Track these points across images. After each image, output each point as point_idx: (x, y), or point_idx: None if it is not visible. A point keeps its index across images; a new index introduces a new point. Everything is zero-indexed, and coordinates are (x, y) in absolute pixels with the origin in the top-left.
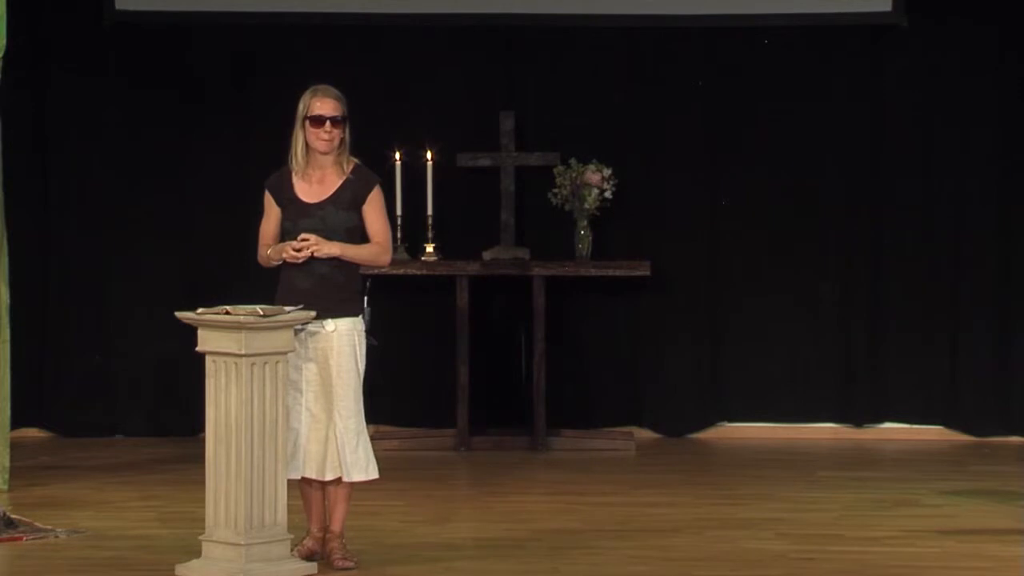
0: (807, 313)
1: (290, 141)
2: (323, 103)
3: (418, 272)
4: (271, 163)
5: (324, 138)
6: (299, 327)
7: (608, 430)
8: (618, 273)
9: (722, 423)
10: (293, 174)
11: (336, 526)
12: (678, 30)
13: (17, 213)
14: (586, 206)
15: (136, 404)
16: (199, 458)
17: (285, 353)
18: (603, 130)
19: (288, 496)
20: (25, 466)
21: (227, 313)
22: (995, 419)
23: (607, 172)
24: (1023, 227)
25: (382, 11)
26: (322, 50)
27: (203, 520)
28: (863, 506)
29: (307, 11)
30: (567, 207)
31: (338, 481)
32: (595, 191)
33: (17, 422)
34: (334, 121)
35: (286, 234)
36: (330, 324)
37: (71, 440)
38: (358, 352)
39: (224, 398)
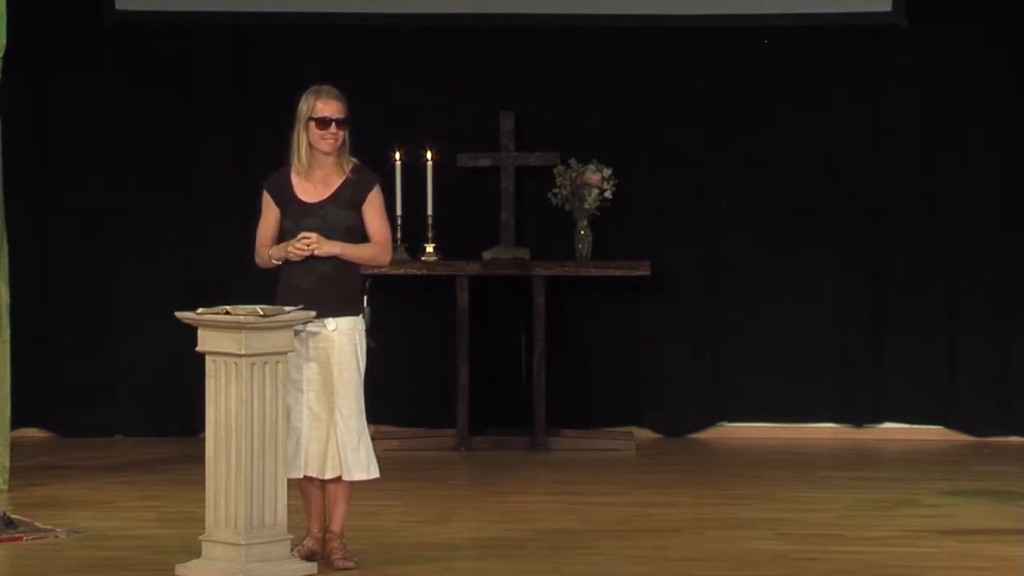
0: (807, 313)
1: (290, 141)
2: (327, 104)
3: (418, 272)
4: (271, 163)
5: (329, 139)
6: (300, 327)
7: (608, 430)
8: (618, 273)
9: (722, 423)
10: (293, 174)
11: (336, 526)
12: (678, 30)
13: (17, 213)
14: (586, 206)
15: (136, 404)
16: (199, 458)
17: (285, 353)
18: (603, 130)
19: (288, 496)
20: (25, 466)
21: (227, 313)
22: (995, 419)
23: (607, 172)
24: (1023, 227)
25: (382, 11)
26: (322, 50)
27: (203, 520)
28: (863, 506)
29: (307, 11)
30: (567, 207)
31: (338, 480)
32: (595, 191)
33: (17, 422)
34: (339, 123)
35: (286, 234)
36: (331, 323)
37: (71, 440)
38: (359, 351)
39: (224, 398)
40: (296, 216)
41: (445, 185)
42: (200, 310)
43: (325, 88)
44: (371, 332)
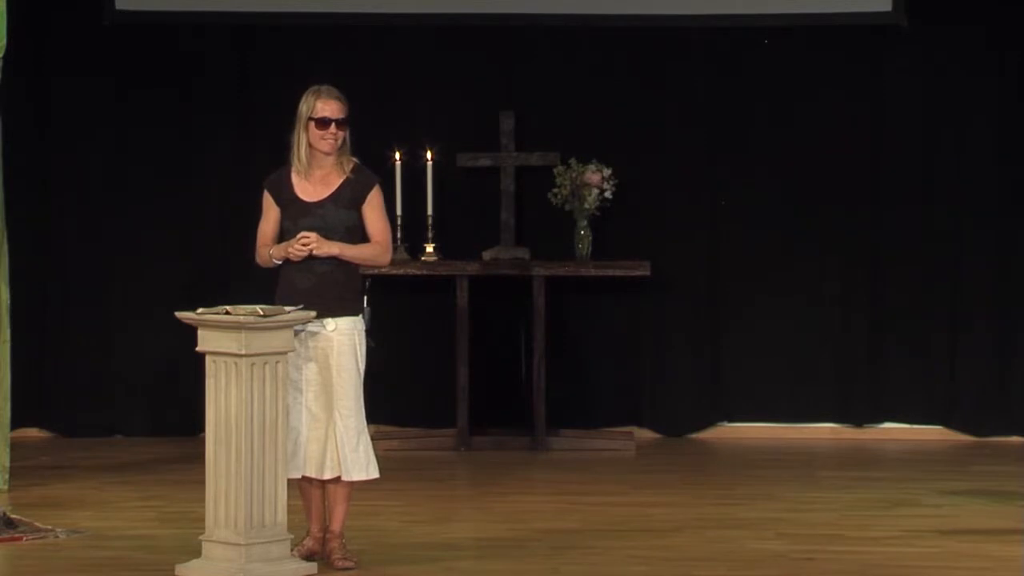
0: (807, 313)
1: (290, 141)
2: (327, 104)
3: (418, 272)
4: (271, 163)
5: (329, 139)
6: (299, 327)
7: (608, 430)
8: (618, 273)
9: (722, 423)
10: (292, 174)
11: (336, 526)
12: (678, 30)
13: (17, 213)
14: (586, 206)
15: (136, 404)
16: (199, 458)
17: (285, 353)
18: (603, 130)
19: (288, 496)
20: (25, 466)
21: (227, 313)
22: (995, 419)
23: (607, 172)
24: (1023, 227)
25: (382, 11)
26: (322, 50)
27: (203, 520)
28: (863, 506)
29: (307, 11)
30: (567, 207)
31: (337, 480)
32: (595, 191)
33: (17, 422)
34: (339, 123)
35: (286, 233)
36: (330, 323)
37: (71, 440)
38: (358, 351)
39: (224, 398)
40: (296, 216)
41: (445, 185)
42: (200, 310)
43: (325, 88)
44: (371, 332)
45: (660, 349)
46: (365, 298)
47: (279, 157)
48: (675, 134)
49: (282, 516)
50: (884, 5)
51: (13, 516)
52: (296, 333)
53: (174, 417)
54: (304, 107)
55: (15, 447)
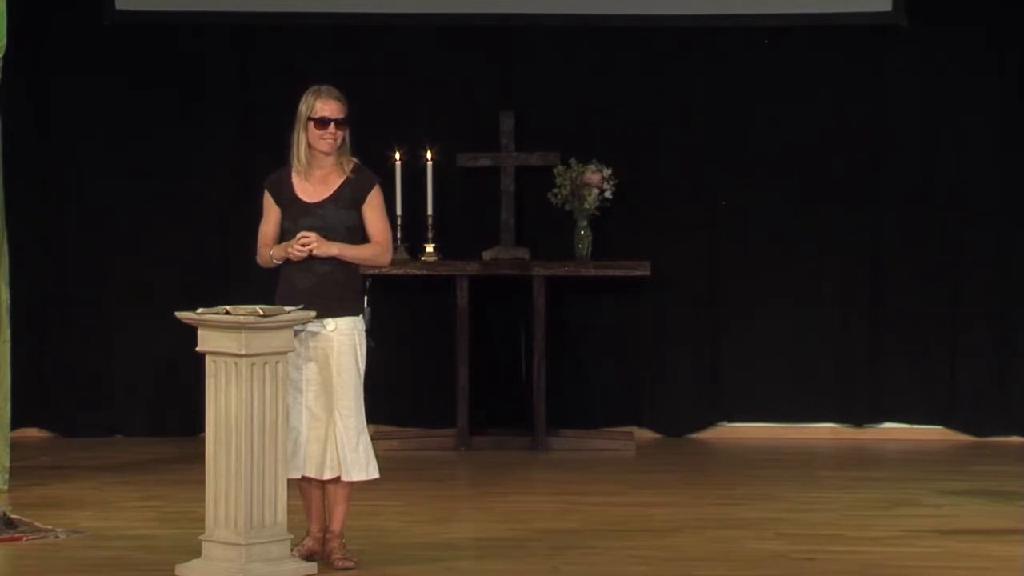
0: (807, 313)
1: (290, 141)
2: (326, 104)
3: (418, 272)
4: (271, 163)
5: (328, 139)
6: (299, 327)
7: (608, 430)
8: (618, 273)
9: (722, 423)
10: (293, 174)
11: (336, 526)
12: (678, 30)
13: (17, 213)
14: (586, 206)
15: (136, 404)
16: (199, 458)
17: (285, 353)
18: (603, 130)
19: (288, 496)
20: (25, 466)
21: (227, 313)
22: (995, 419)
23: (607, 172)
24: (1023, 227)
25: (382, 11)
26: (322, 50)
27: (203, 520)
28: (863, 506)
29: (308, 11)
30: (567, 207)
31: (337, 480)
32: (595, 191)
33: (17, 422)
34: (338, 123)
35: (286, 233)
36: (330, 323)
37: (71, 440)
38: (358, 351)
39: (224, 398)
40: (296, 216)
41: (445, 185)
42: (200, 310)
43: (325, 88)
44: (371, 332)
45: (660, 349)
46: (365, 298)
47: (279, 157)
48: (675, 134)
49: (282, 516)
50: (884, 5)
51: (13, 516)
52: (296, 333)
53: (174, 417)
54: (304, 107)
55: (15, 447)
